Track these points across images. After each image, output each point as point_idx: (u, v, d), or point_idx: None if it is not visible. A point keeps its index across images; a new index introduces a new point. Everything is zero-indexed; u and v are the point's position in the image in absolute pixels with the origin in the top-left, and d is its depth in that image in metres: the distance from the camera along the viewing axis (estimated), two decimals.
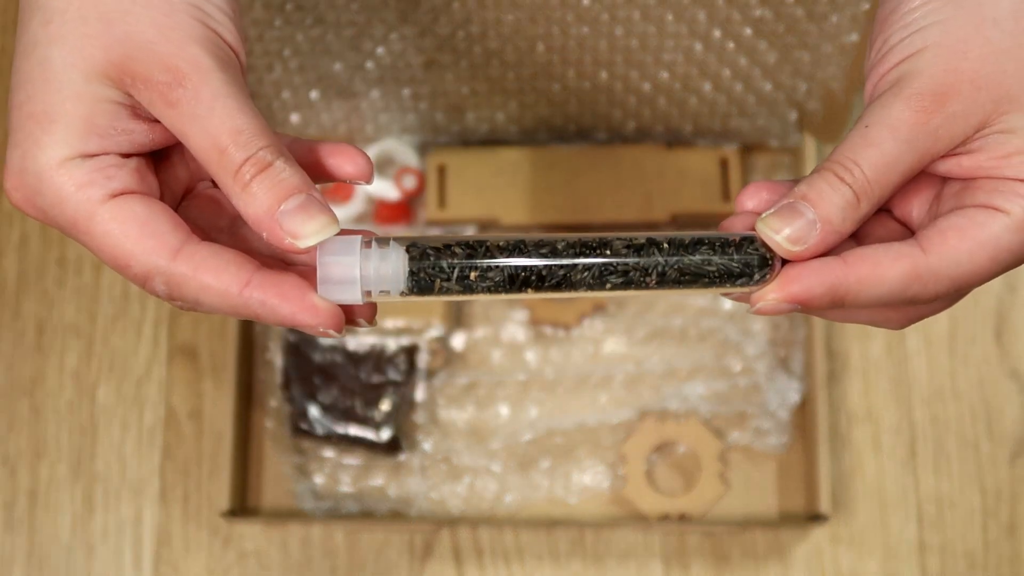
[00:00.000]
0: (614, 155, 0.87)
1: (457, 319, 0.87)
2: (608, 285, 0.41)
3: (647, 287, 0.42)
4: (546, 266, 0.41)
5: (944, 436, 0.85)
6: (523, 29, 0.75)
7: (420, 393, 0.86)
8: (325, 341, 0.86)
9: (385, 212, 0.88)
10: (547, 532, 0.84)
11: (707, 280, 0.42)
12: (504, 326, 0.88)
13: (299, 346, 0.86)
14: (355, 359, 0.85)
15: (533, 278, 0.41)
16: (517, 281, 0.41)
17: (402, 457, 0.85)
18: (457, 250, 0.41)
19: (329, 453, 0.85)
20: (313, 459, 0.86)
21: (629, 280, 0.41)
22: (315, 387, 0.85)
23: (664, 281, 0.42)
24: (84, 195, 0.40)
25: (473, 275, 0.41)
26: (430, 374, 0.86)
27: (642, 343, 0.87)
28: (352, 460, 0.85)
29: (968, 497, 0.84)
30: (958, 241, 0.41)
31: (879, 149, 0.41)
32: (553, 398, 0.86)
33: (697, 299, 0.88)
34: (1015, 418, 0.85)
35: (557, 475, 0.85)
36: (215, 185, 0.45)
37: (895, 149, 0.41)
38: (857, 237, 0.44)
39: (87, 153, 0.40)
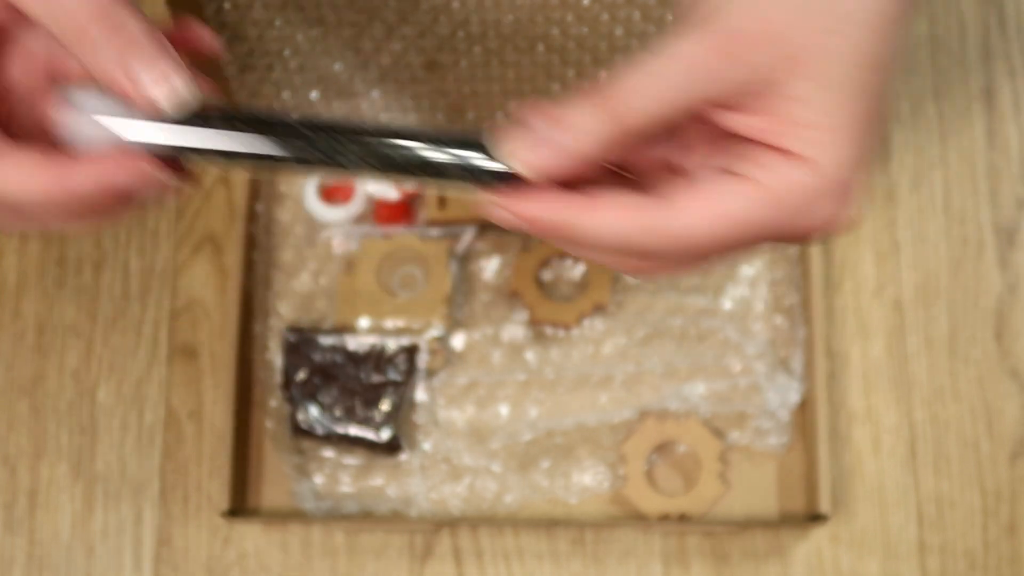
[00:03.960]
0: None
1: (457, 319, 0.88)
2: (354, 164, 0.43)
3: (387, 174, 0.43)
4: (301, 141, 0.43)
5: (944, 436, 0.85)
6: (523, 29, 0.75)
7: (420, 393, 0.86)
8: (325, 341, 0.85)
9: (385, 212, 0.88)
10: (547, 532, 0.84)
11: (453, 179, 0.43)
12: (504, 326, 0.88)
13: (299, 346, 0.86)
14: (355, 359, 0.85)
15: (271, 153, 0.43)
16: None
17: (402, 457, 0.85)
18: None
19: (329, 453, 0.86)
20: (313, 459, 0.86)
21: (372, 164, 0.43)
22: (315, 387, 0.85)
23: (403, 171, 0.43)
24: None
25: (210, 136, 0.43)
26: (430, 374, 0.86)
27: (642, 343, 0.87)
28: (352, 460, 0.85)
29: (968, 497, 0.84)
30: (700, 206, 0.40)
31: (654, 79, 0.39)
32: (553, 398, 0.86)
33: (697, 299, 0.88)
34: (1015, 418, 0.85)
35: (557, 475, 0.85)
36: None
37: (671, 82, 0.39)
38: (627, 177, 0.43)
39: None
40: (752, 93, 0.40)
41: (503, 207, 0.42)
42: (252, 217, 0.88)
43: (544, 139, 0.40)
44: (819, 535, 0.84)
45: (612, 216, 0.40)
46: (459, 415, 0.86)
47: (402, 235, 0.87)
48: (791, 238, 0.42)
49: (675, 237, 0.40)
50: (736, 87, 0.40)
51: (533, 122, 0.40)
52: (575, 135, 0.40)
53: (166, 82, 0.42)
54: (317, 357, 0.86)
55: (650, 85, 0.39)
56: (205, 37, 0.48)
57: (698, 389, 0.86)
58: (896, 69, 0.41)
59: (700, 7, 0.40)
